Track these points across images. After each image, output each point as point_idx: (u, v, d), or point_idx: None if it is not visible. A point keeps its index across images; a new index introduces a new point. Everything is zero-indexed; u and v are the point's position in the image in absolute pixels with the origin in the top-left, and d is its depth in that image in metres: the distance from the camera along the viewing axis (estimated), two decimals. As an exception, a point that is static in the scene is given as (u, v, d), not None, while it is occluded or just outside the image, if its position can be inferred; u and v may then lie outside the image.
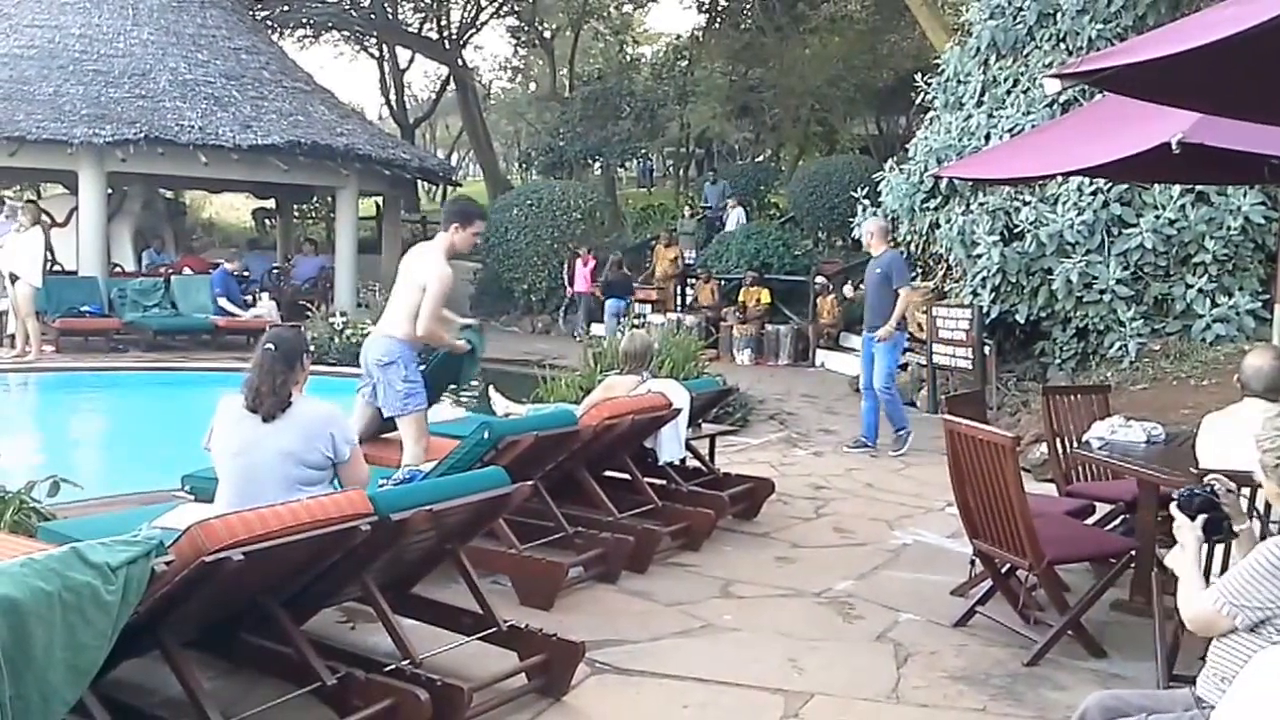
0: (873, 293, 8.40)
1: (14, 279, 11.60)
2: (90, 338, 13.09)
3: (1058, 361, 9.78)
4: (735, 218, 18.83)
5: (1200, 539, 2.85)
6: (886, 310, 8.22)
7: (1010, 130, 9.87)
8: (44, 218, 12.74)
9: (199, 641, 3.38)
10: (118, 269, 15.55)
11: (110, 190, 15.58)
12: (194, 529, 2.77)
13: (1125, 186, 9.06)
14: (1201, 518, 2.86)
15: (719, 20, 26.41)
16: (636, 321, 14.35)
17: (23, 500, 4.49)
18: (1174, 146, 3.93)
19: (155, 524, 3.74)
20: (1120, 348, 9.04)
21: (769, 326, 14.87)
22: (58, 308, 12.66)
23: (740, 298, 15.38)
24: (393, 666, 3.39)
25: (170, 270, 15.18)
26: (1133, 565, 4.52)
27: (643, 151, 26.33)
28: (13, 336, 12.08)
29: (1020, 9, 10.56)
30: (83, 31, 16.08)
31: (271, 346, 3.79)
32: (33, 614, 2.34)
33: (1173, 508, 2.93)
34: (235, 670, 3.61)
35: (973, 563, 4.77)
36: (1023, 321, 9.91)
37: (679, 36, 28.57)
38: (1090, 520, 5.17)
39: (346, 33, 30.02)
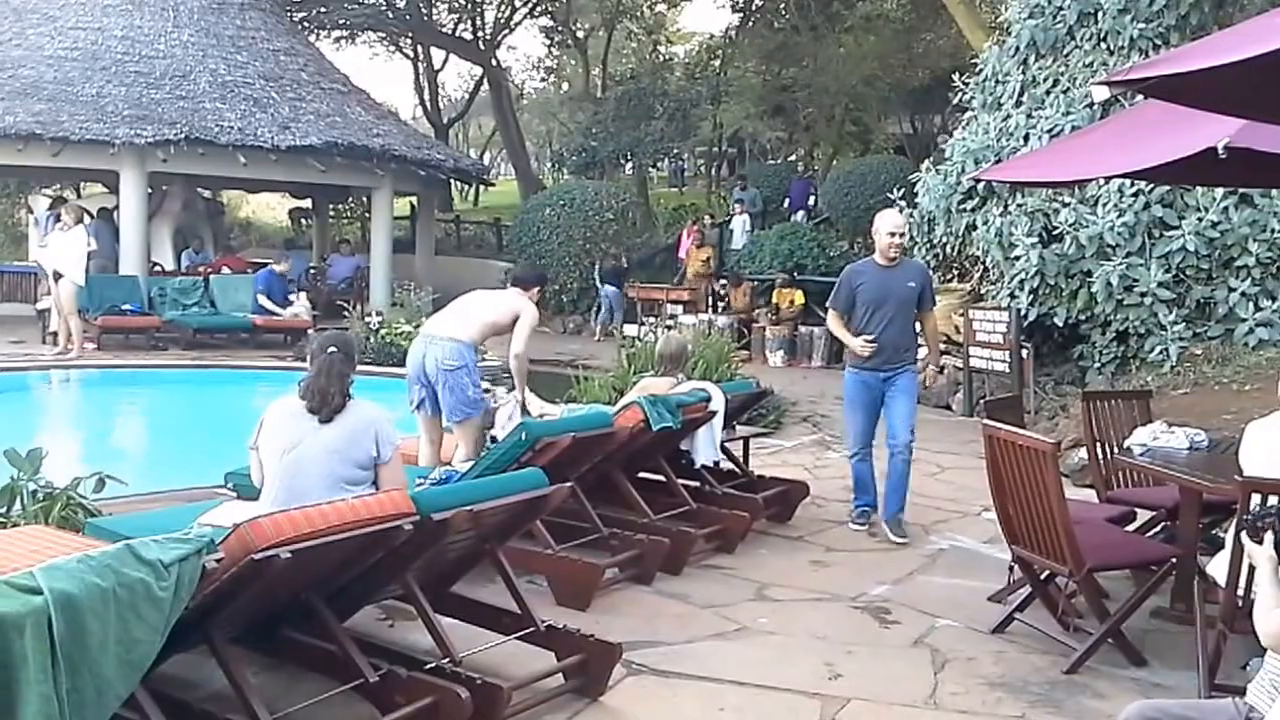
0: (903, 313, 6.10)
1: (57, 277, 11.80)
2: (131, 335, 13.27)
3: (1097, 365, 9.69)
4: (741, 225, 18.62)
5: (1274, 559, 2.82)
6: (914, 335, 6.29)
7: (1050, 131, 9.78)
8: (85, 216, 12.94)
9: (243, 637, 3.43)
10: (157, 268, 15.76)
11: (150, 190, 15.78)
12: (243, 527, 2.82)
13: (1167, 188, 8.95)
14: (1270, 540, 2.84)
15: (753, 19, 26.35)
16: (669, 323, 14.41)
17: (69, 496, 4.56)
18: (1220, 151, 3.88)
19: (200, 521, 3.81)
20: (1161, 352, 8.94)
21: (802, 328, 14.81)
22: (99, 306, 12.85)
23: (773, 299, 15.34)
24: (433, 664, 3.42)
25: (209, 270, 15.37)
26: (1174, 573, 4.47)
27: (675, 152, 26.34)
28: (55, 334, 12.28)
29: (1060, 8, 10.46)
30: (125, 34, 16.31)
31: (336, 349, 3.87)
32: (89, 609, 2.39)
33: (1242, 536, 2.93)
34: (277, 666, 3.66)
35: (1011, 568, 4.75)
36: (1061, 325, 9.82)
37: (712, 36, 28.59)
38: (1131, 527, 5.12)
39: (382, 34, 30.23)
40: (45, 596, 2.37)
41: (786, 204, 20.77)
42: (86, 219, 12.90)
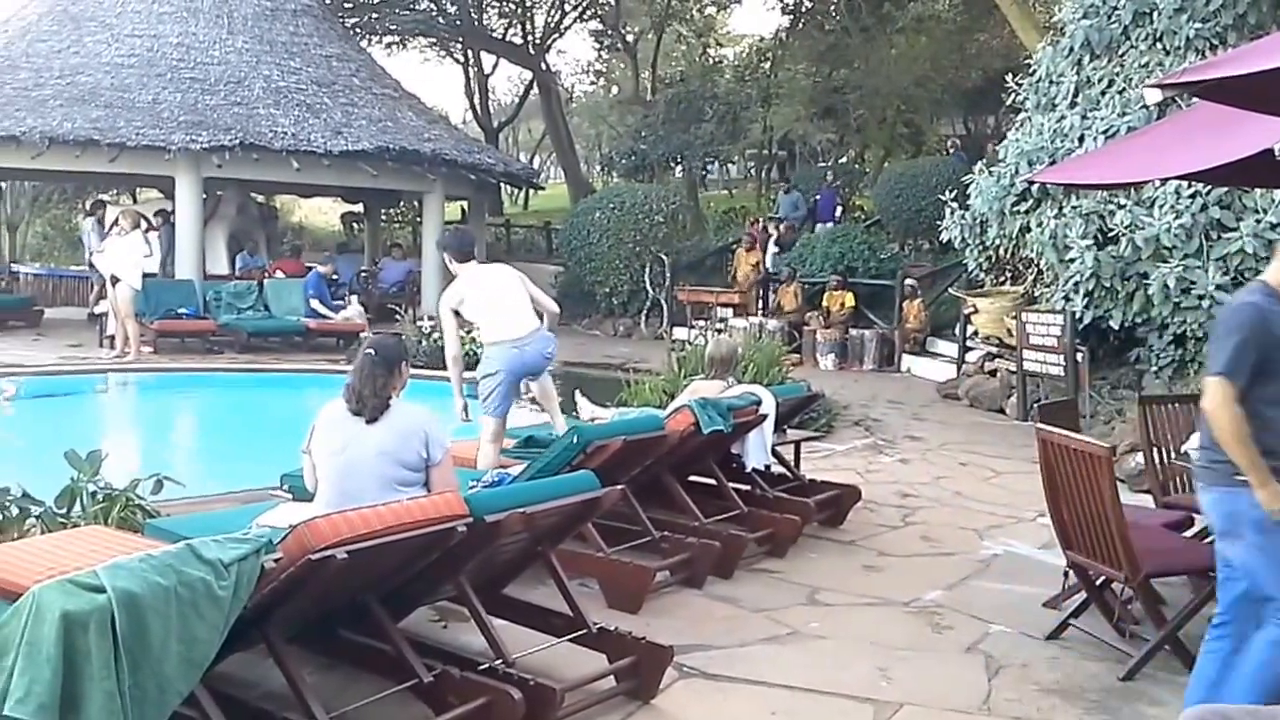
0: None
1: (115, 281, 12.03)
2: (187, 339, 13.48)
3: (1154, 369, 9.52)
4: (772, 252, 18.25)
5: None
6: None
7: (1105, 132, 9.62)
8: (143, 222, 13.17)
9: (299, 637, 3.48)
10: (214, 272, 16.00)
11: (204, 195, 16.04)
12: (301, 528, 2.86)
13: (1224, 190, 8.78)
14: None
15: (803, 21, 26.23)
16: (719, 326, 14.39)
17: (128, 497, 4.65)
18: (1278, 153, 3.81)
19: (257, 522, 3.87)
20: (1219, 355, 8.74)
21: (853, 331, 14.71)
22: (156, 310, 13.06)
23: (824, 302, 15.26)
24: (486, 665, 3.45)
25: (263, 273, 15.59)
26: (1234, 580, 4.38)
27: (722, 156, 26.28)
28: (113, 338, 12.52)
29: (1115, 8, 10.28)
30: (180, 40, 16.58)
31: (372, 352, 3.93)
32: (151, 608, 2.44)
33: None
34: (333, 665, 3.71)
35: (1066, 574, 4.69)
36: (1117, 327, 9.65)
37: (762, 38, 28.45)
38: (1188, 533, 5.03)
39: (433, 39, 30.51)
40: (109, 595, 2.42)
41: (816, 203, 20.24)
42: (143, 223, 13.12)
